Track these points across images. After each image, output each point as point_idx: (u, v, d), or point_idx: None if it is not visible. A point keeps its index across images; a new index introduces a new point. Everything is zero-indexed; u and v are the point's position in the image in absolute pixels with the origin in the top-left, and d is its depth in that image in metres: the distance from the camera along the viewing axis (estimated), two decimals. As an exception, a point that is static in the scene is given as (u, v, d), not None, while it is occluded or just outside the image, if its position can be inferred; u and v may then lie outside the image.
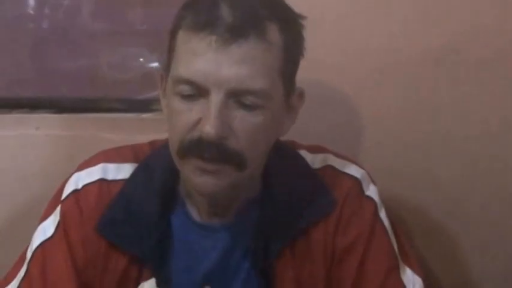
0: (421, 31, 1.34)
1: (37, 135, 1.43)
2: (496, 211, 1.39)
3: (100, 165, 1.14)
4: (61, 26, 1.54)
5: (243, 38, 1.00)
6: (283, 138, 1.13)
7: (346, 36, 1.34)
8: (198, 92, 1.01)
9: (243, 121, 1.01)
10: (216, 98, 1.00)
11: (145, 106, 1.47)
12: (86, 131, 1.42)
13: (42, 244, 1.12)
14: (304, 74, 1.10)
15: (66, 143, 1.42)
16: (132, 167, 1.14)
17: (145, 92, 1.49)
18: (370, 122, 1.37)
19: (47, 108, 1.47)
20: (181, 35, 1.03)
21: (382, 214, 1.14)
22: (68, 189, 1.14)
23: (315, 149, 1.18)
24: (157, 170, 1.13)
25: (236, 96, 1.00)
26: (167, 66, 1.07)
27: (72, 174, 1.15)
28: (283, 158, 1.13)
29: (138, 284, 1.11)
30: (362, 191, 1.14)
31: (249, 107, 1.01)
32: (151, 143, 1.19)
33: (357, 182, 1.14)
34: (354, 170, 1.16)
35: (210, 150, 1.01)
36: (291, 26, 1.06)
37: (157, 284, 1.10)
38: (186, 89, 1.01)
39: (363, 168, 1.17)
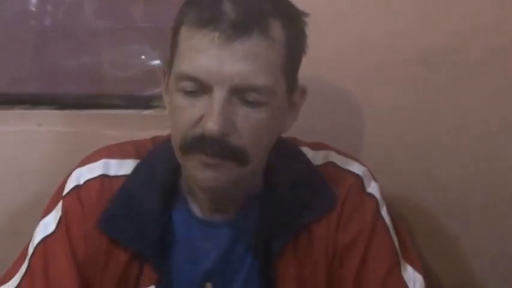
0: (421, 30, 1.34)
1: (39, 132, 1.43)
2: (496, 211, 1.39)
3: (102, 161, 1.14)
4: (63, 23, 1.54)
5: (246, 35, 1.00)
6: (285, 135, 1.14)
7: (346, 34, 1.34)
8: (200, 88, 1.01)
9: (246, 118, 1.02)
10: (219, 95, 1.00)
11: (146, 103, 1.47)
12: (88, 128, 1.42)
13: (43, 240, 1.12)
14: (303, 71, 1.10)
15: (68, 139, 1.42)
16: (134, 163, 1.14)
17: (147, 89, 1.49)
18: (370, 121, 1.37)
19: (48, 104, 1.48)
20: (184, 31, 1.03)
21: (384, 211, 1.15)
22: (70, 184, 1.14)
23: (316, 146, 1.18)
24: (159, 166, 1.13)
25: (239, 93, 1.01)
26: (170, 62, 1.07)
27: (74, 169, 1.15)
28: (285, 154, 1.14)
29: (139, 280, 1.11)
30: (363, 188, 1.14)
31: (252, 104, 1.02)
32: (153, 139, 1.19)
33: (358, 179, 1.15)
34: (355, 167, 1.16)
35: (213, 147, 1.01)
36: (294, 22, 1.06)
37: (158, 280, 1.10)
38: (189, 85, 1.02)
39: (364, 165, 1.18)
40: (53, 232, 1.12)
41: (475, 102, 1.36)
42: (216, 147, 1.01)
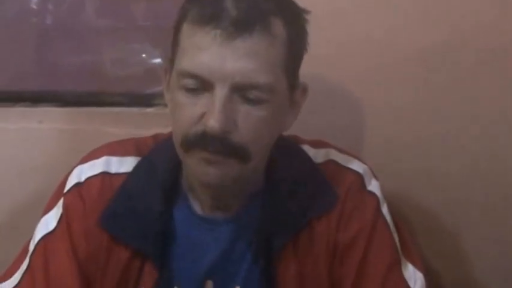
0: (421, 29, 1.34)
1: (40, 129, 1.43)
2: (496, 210, 1.39)
3: (103, 158, 1.14)
4: (65, 21, 1.54)
5: (247, 33, 1.00)
6: (286, 133, 1.14)
7: (347, 31, 1.35)
8: (202, 85, 1.01)
9: (247, 115, 1.02)
10: (220, 93, 1.00)
11: (148, 100, 1.47)
12: (89, 125, 1.42)
13: (44, 237, 1.12)
14: (303, 68, 1.10)
15: (69, 137, 1.42)
16: (135, 160, 1.14)
17: (147, 88, 1.50)
18: (370, 119, 1.38)
19: (50, 102, 1.48)
20: (186, 28, 1.04)
21: (384, 209, 1.15)
22: (71, 182, 1.14)
23: (317, 144, 1.18)
24: (160, 163, 1.13)
25: (240, 91, 1.01)
26: (171, 59, 1.07)
27: (75, 167, 1.15)
28: (286, 152, 1.14)
29: (140, 277, 1.11)
30: (364, 186, 1.14)
31: (253, 102, 1.02)
32: (155, 137, 1.19)
33: (359, 177, 1.15)
34: (356, 165, 1.16)
35: (214, 144, 1.01)
36: (296, 20, 1.06)
37: (159, 277, 1.10)
38: (190, 82, 1.02)
39: (365, 163, 1.18)
40: (54, 229, 1.12)
41: (474, 102, 1.36)
42: (218, 144, 1.01)
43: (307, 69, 1.11)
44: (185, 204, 1.13)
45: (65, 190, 1.14)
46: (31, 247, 1.13)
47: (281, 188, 1.12)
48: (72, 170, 1.15)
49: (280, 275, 1.11)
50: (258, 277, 1.12)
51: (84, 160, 1.16)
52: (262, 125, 1.03)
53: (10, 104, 1.48)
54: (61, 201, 1.13)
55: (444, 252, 1.42)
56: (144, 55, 1.54)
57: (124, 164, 1.14)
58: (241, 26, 1.00)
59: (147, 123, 1.38)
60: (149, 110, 1.47)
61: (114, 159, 1.14)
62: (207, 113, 1.01)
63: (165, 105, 1.12)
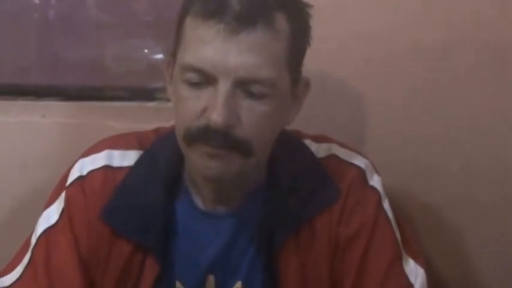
0: (422, 26, 1.34)
1: (42, 123, 1.43)
2: (498, 210, 1.39)
3: (105, 152, 1.14)
4: (67, 16, 1.54)
5: (251, 27, 1.00)
6: (288, 127, 1.14)
7: (348, 27, 1.35)
8: (205, 79, 1.01)
9: (250, 110, 1.02)
10: (223, 87, 1.00)
11: (149, 95, 1.47)
12: (91, 119, 1.42)
13: (46, 231, 1.12)
14: (306, 64, 1.10)
15: (72, 130, 1.42)
16: (137, 154, 1.14)
17: (149, 82, 1.49)
18: (372, 114, 1.38)
19: (52, 96, 1.48)
20: (189, 22, 1.04)
21: (386, 204, 1.15)
22: (73, 175, 1.14)
23: (319, 139, 1.18)
24: (162, 157, 1.13)
25: (243, 85, 1.01)
26: (174, 53, 1.07)
27: (77, 160, 1.15)
28: (288, 147, 1.14)
29: (142, 271, 1.11)
30: (366, 181, 1.14)
31: (256, 96, 1.02)
32: (156, 131, 1.19)
33: (360, 172, 1.15)
34: (358, 160, 1.16)
35: (217, 138, 1.01)
36: (299, 15, 1.06)
37: (161, 271, 1.10)
38: (193, 76, 1.02)
39: (366, 158, 1.18)
40: (56, 223, 1.12)
41: (475, 102, 1.36)
42: (220, 139, 1.01)
43: (309, 64, 1.11)
44: (187, 198, 1.13)
45: (67, 184, 1.14)
46: (33, 240, 1.13)
47: (283, 183, 1.11)
48: (74, 164, 1.15)
49: (281, 269, 1.11)
50: (260, 271, 1.12)
51: (86, 154, 1.16)
52: (264, 119, 1.03)
53: (12, 98, 1.48)
54: (63, 195, 1.13)
55: (446, 247, 1.42)
56: (146, 50, 1.53)
57: (126, 158, 1.14)
58: (244, 21, 1.00)
59: (148, 118, 1.38)
60: (150, 104, 1.46)
61: (116, 153, 1.14)
62: (210, 107, 1.01)
63: (167, 100, 1.12)
